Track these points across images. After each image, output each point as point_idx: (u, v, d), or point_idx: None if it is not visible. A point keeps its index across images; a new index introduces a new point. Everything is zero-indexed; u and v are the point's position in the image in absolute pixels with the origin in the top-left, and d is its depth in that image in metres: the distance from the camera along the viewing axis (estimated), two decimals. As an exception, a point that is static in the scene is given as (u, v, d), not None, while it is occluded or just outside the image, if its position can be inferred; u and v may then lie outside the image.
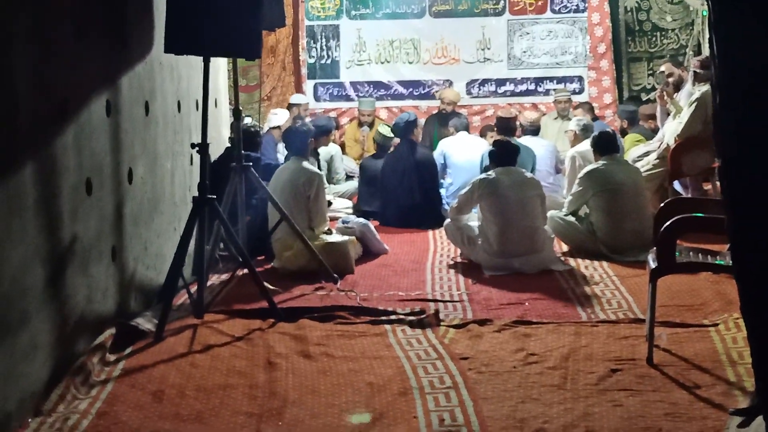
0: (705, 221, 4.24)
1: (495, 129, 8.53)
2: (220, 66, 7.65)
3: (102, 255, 4.37)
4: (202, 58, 4.98)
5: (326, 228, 6.38)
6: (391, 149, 8.38)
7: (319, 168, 6.98)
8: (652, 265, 4.21)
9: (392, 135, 8.55)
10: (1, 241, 3.26)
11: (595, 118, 9.96)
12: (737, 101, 2.88)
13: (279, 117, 9.22)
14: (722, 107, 2.94)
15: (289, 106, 10.07)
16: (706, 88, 7.12)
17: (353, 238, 6.52)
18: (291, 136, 6.66)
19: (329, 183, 8.76)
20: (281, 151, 8.53)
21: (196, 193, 4.95)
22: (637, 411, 3.57)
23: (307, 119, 9.05)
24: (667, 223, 4.12)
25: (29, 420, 3.44)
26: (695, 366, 4.11)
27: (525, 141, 8.18)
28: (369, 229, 6.79)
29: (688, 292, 5.28)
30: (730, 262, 3.23)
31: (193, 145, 5.12)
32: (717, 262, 4.28)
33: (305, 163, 6.37)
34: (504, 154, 6.46)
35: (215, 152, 6.62)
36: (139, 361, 4.17)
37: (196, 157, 5.31)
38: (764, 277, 2.90)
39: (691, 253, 4.40)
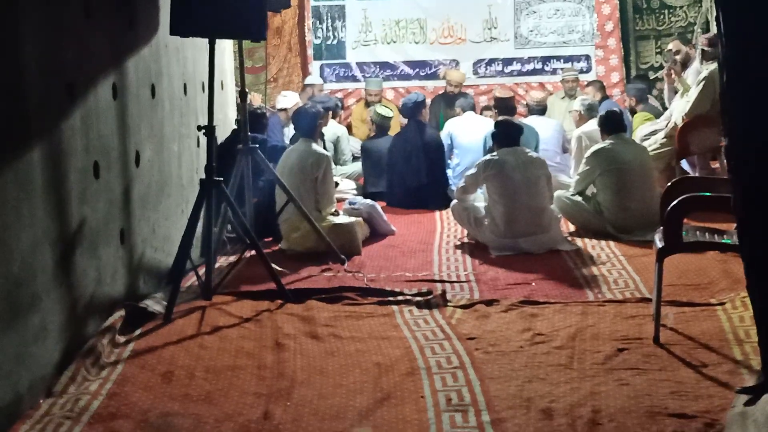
0: (712, 200, 4.23)
1: (495, 109, 8.49)
2: (226, 48, 7.64)
3: (111, 237, 4.39)
4: (207, 40, 4.98)
5: (333, 209, 6.39)
6: (390, 130, 8.35)
7: (324, 149, 6.98)
8: (659, 244, 4.21)
9: (391, 115, 8.55)
10: (10, 225, 3.28)
11: (605, 97, 9.94)
12: (744, 80, 2.88)
13: (288, 99, 9.21)
14: (729, 86, 2.94)
15: (304, 87, 10.09)
16: (714, 66, 7.08)
17: (360, 219, 6.53)
18: (300, 118, 6.66)
19: (336, 164, 8.76)
20: (287, 134, 8.54)
21: (203, 176, 4.97)
22: (643, 390, 3.59)
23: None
24: (674, 202, 4.12)
25: (41, 401, 3.48)
26: (702, 345, 4.12)
27: (531, 121, 8.17)
28: (376, 210, 6.80)
29: (695, 271, 5.28)
30: (737, 241, 3.24)
31: (199, 128, 5.13)
32: (724, 241, 4.27)
33: (314, 145, 6.38)
34: (506, 135, 6.44)
35: (222, 134, 6.64)
36: (148, 342, 4.20)
37: (203, 140, 5.33)
38: (770, 255, 2.90)
39: (698, 233, 4.39)
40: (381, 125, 8.54)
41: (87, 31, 4.14)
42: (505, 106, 8.19)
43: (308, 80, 10.52)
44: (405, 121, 8.52)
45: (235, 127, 6.93)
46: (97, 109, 4.22)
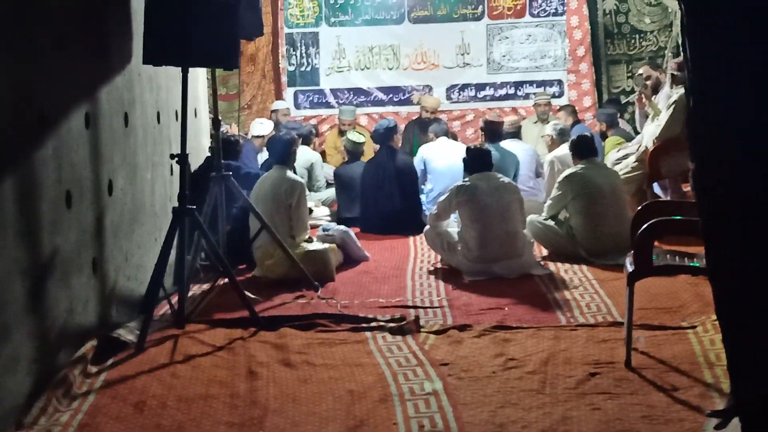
0: (681, 224, 4.26)
1: (482, 132, 8.51)
2: (199, 75, 7.66)
3: (83, 267, 4.37)
4: (180, 68, 4.99)
5: (307, 236, 6.39)
6: (364, 156, 8.39)
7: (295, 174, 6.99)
8: (630, 268, 4.25)
9: (362, 140, 8.59)
10: (-21, 256, 3.26)
11: (577, 121, 10.03)
12: (709, 105, 2.92)
13: (264, 126, 9.25)
14: (695, 111, 2.98)
15: (270, 114, 10.14)
16: (683, 90, 7.17)
17: (334, 245, 6.54)
18: (274, 145, 6.67)
19: (310, 191, 8.78)
20: (261, 161, 8.55)
21: (177, 204, 4.96)
22: (615, 414, 3.61)
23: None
24: (644, 226, 4.15)
25: (11, 433, 3.45)
26: (673, 368, 4.15)
27: (505, 145, 8.23)
28: (349, 236, 6.81)
29: (666, 295, 5.33)
30: (705, 264, 3.27)
31: (172, 156, 5.13)
32: (693, 264, 4.31)
33: (288, 172, 6.39)
34: (477, 161, 6.48)
35: (195, 162, 6.63)
36: (120, 372, 4.18)
37: (176, 168, 5.32)
38: (737, 279, 2.93)
39: (668, 256, 4.44)
40: (353, 151, 8.58)
41: (59, 60, 4.13)
42: (492, 130, 8.22)
43: (273, 105, 10.59)
44: (377, 147, 8.55)
45: (209, 154, 6.93)
46: (70, 138, 4.22)
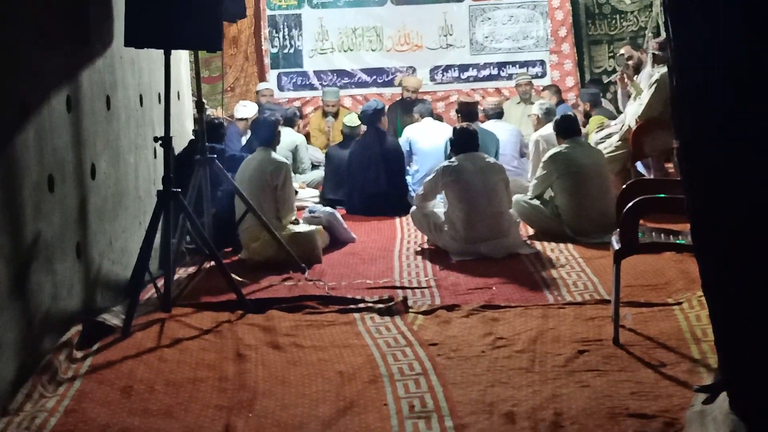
0: (666, 201, 4.28)
1: (458, 114, 8.54)
2: (182, 58, 7.60)
3: (66, 251, 4.33)
4: (162, 51, 4.94)
5: (294, 218, 6.37)
6: (358, 137, 8.38)
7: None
8: (616, 246, 4.26)
9: (357, 123, 8.55)
10: (-38, 241, 3.22)
11: (561, 101, 10.03)
12: (693, 83, 2.92)
13: (248, 109, 9.19)
14: (678, 89, 2.98)
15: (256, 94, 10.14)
16: (665, 69, 7.17)
17: (320, 227, 6.51)
18: (258, 126, 6.61)
19: (294, 173, 8.74)
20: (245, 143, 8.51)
21: (161, 187, 4.93)
22: (604, 391, 3.62)
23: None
24: (629, 204, 4.16)
25: (-4, 420, 3.42)
26: (660, 345, 4.17)
27: (489, 126, 8.23)
28: (336, 218, 6.79)
29: (652, 272, 5.35)
30: (691, 241, 3.28)
31: (156, 139, 5.09)
32: (679, 242, 4.32)
33: (273, 153, 6.35)
34: (463, 141, 6.47)
35: (179, 145, 6.59)
36: (106, 357, 4.15)
37: (160, 151, 5.28)
38: (723, 254, 2.95)
39: (653, 234, 4.45)
40: (348, 135, 8.57)
41: (39, 45, 4.08)
42: (468, 111, 8.23)
43: (257, 87, 10.56)
44: (364, 128, 8.52)
45: (193, 137, 6.88)
46: (51, 122, 4.17)
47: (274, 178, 6.16)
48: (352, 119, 8.68)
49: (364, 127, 8.37)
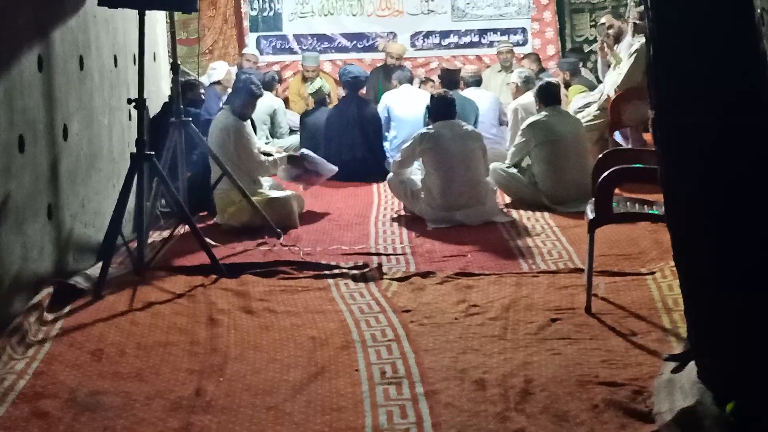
0: (641, 172, 4.27)
1: (439, 80, 8.50)
2: (158, 19, 7.47)
3: (37, 213, 4.29)
4: (137, 11, 4.86)
5: (269, 181, 6.29)
6: (329, 102, 8.32)
7: (252, 124, 6.78)
8: (590, 215, 4.26)
9: (318, 87, 8.49)
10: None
11: (541, 69, 9.99)
12: (669, 54, 2.92)
13: (218, 71, 9.05)
14: (655, 59, 2.97)
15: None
16: (645, 39, 7.15)
17: (296, 192, 6.48)
18: (239, 90, 6.43)
19: (272, 137, 8.69)
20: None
21: (135, 149, 4.87)
22: (574, 359, 3.64)
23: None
24: (604, 174, 4.16)
25: (-35, 382, 3.39)
26: (632, 314, 4.19)
27: (468, 93, 8.19)
28: (310, 155, 6.80)
29: (626, 242, 5.37)
30: (664, 211, 3.29)
31: (129, 101, 5.02)
32: (652, 212, 4.34)
33: (228, 115, 6.17)
34: (441, 108, 6.44)
35: (154, 107, 6.51)
36: (77, 320, 4.12)
37: (135, 113, 5.21)
38: (694, 225, 2.96)
39: (628, 204, 4.46)
40: (317, 100, 8.50)
41: (7, 1, 4.00)
42: (449, 78, 8.19)
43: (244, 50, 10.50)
44: (342, 93, 8.47)
45: (168, 100, 6.79)
46: (22, 81, 4.10)
47: (226, 140, 6.06)
48: (314, 86, 8.61)
49: (333, 91, 8.27)
